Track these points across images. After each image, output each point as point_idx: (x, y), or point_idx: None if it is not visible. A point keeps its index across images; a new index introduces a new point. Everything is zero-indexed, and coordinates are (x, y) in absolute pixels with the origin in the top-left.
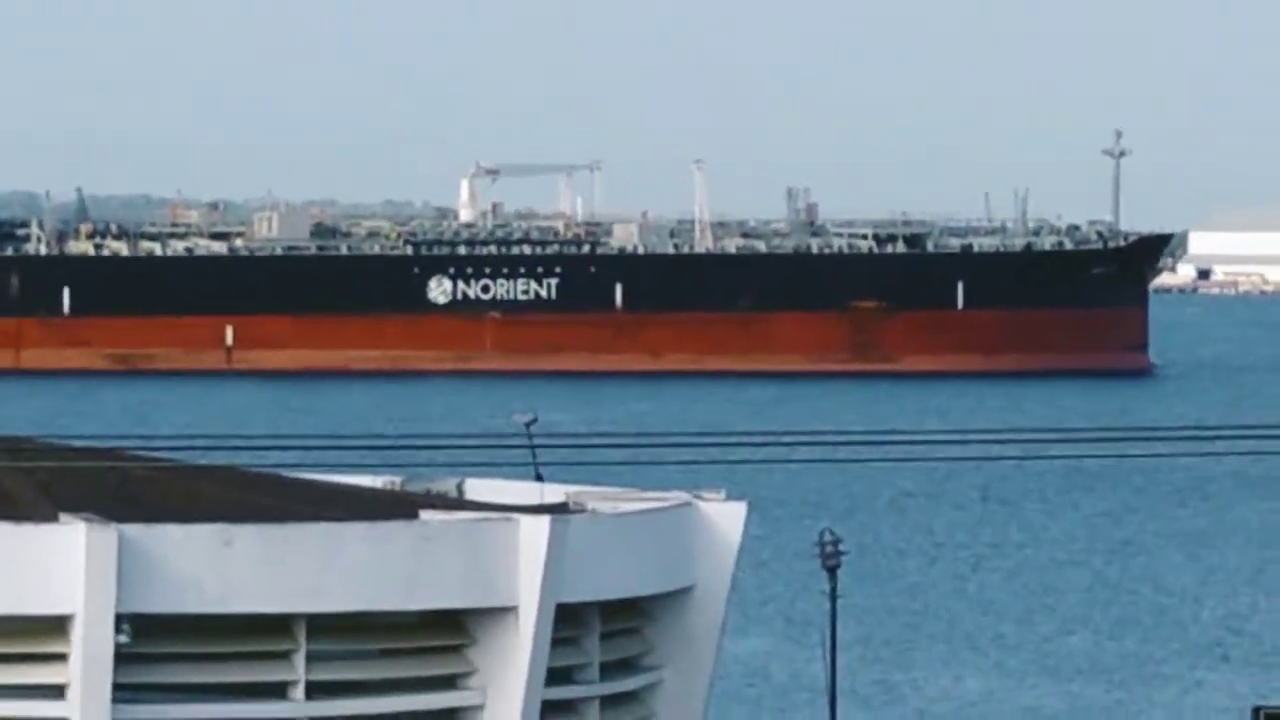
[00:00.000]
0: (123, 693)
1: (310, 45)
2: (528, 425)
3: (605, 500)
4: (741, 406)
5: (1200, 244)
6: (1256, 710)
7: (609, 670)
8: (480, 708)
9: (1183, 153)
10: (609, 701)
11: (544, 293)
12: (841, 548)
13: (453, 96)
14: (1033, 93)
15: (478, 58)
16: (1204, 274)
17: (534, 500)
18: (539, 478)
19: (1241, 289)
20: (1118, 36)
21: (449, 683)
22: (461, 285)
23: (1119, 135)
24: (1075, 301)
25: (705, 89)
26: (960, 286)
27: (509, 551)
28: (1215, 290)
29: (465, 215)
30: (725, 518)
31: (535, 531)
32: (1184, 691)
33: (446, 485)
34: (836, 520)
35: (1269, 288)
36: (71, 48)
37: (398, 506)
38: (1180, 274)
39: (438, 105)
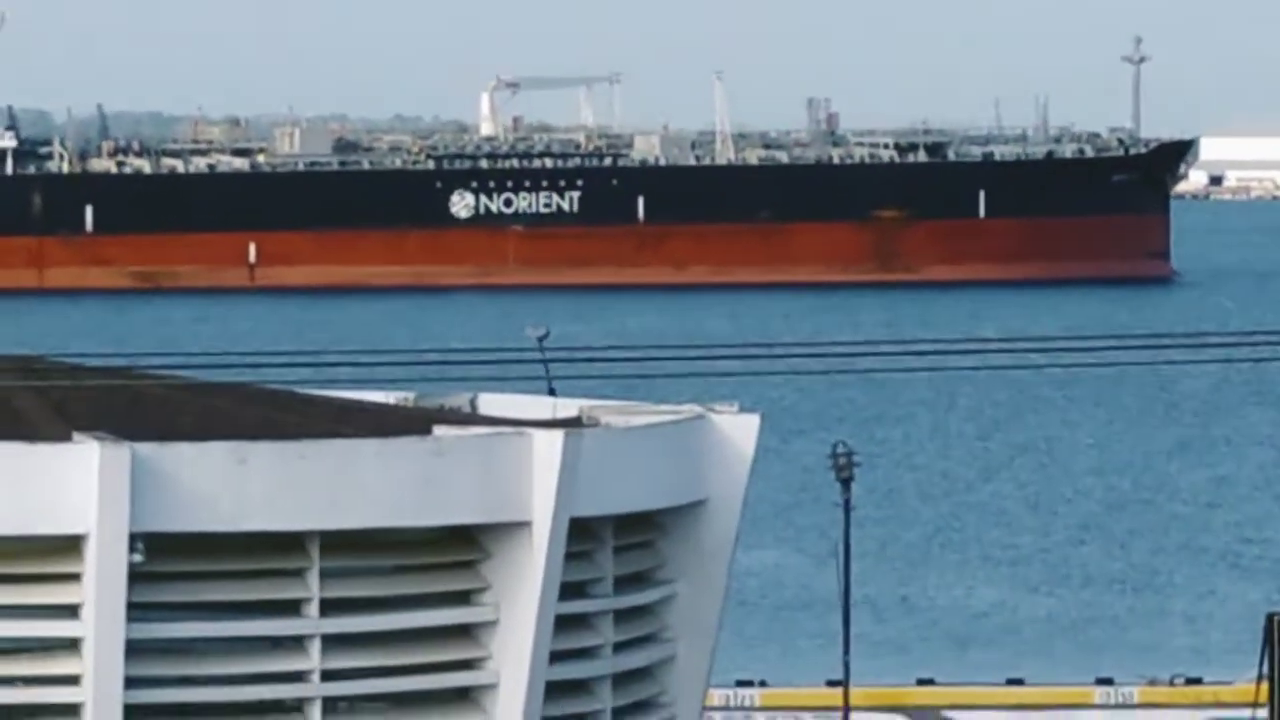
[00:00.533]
0: (137, 611)
1: None
2: (540, 339)
3: (618, 414)
4: (763, 318)
5: (1212, 149)
6: (1270, 616)
7: (622, 584)
8: (494, 623)
9: (1203, 58)
10: (622, 615)
11: (566, 206)
12: (855, 459)
13: (470, 9)
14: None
15: None
16: (1216, 180)
17: (547, 415)
18: (552, 392)
19: (1254, 194)
20: None
21: (463, 598)
22: (483, 199)
23: (1139, 41)
24: (1097, 209)
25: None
26: (982, 195)
27: (522, 466)
28: (1227, 196)
29: (486, 129)
30: (738, 430)
31: (548, 446)
32: (1198, 599)
33: (459, 400)
34: (850, 432)
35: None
36: None
37: (411, 422)
38: (1192, 180)
39: (455, 18)
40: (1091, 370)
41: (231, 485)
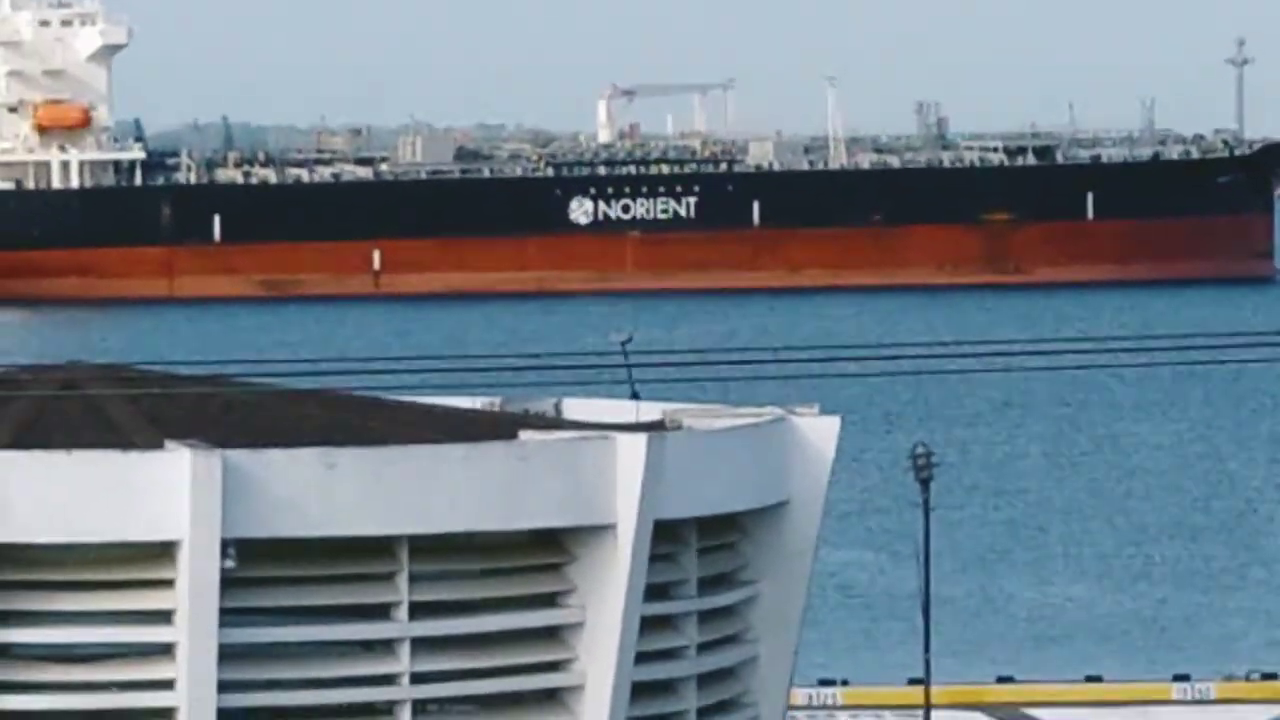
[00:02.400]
0: (229, 617)
1: None
2: (623, 344)
3: (701, 417)
4: (876, 318)
5: None
6: None
7: (706, 585)
8: (580, 625)
9: None
10: (706, 616)
11: (683, 211)
12: (936, 461)
13: (585, 18)
14: (1156, 3)
15: None
16: None
17: (631, 418)
18: (635, 395)
19: None
20: None
21: (549, 600)
22: (602, 205)
23: (1241, 43)
24: (1203, 209)
25: (836, 5)
26: (1090, 197)
27: (606, 470)
28: None
29: (603, 136)
30: (819, 432)
31: (632, 449)
32: (1272, 594)
33: (544, 405)
34: (930, 433)
35: None
36: None
37: (497, 427)
38: None
39: (571, 27)
40: (1167, 370)
41: (321, 490)
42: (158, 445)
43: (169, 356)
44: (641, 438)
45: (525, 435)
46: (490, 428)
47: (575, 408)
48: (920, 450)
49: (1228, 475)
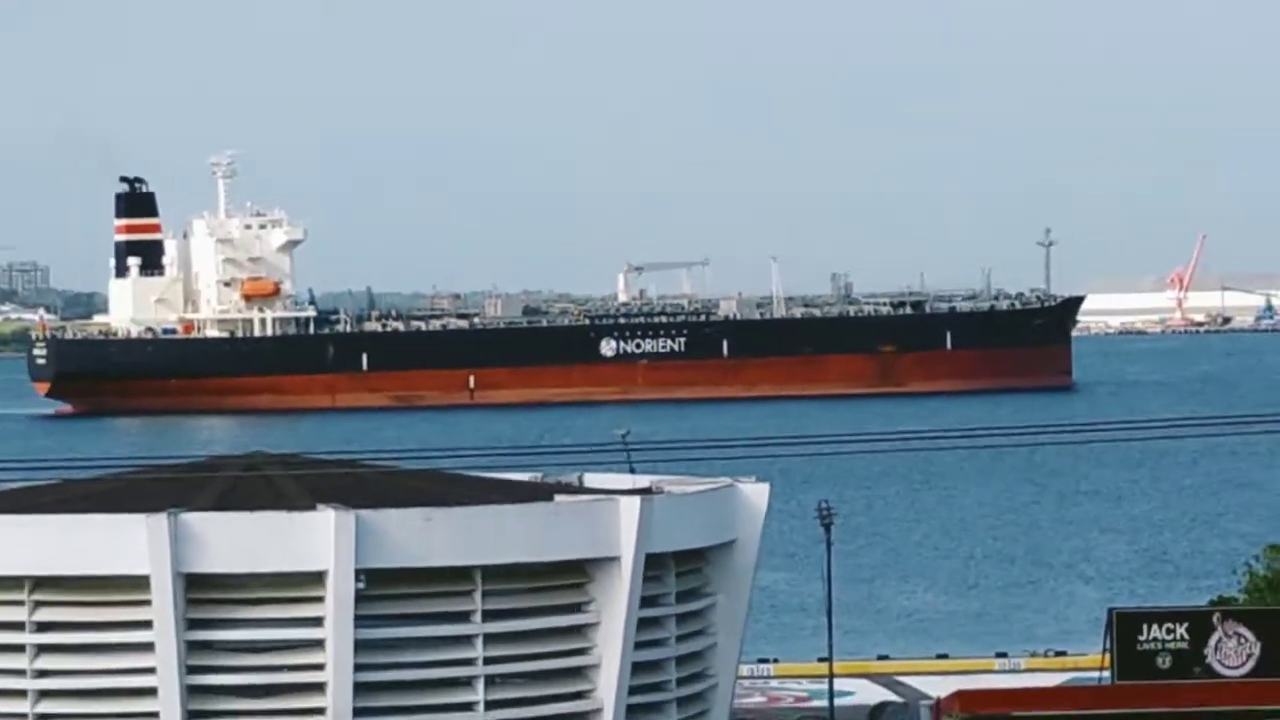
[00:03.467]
0: (361, 620)
1: (512, 185)
2: (623, 436)
3: (676, 484)
4: (805, 418)
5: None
6: (1110, 610)
7: (681, 596)
8: (597, 624)
9: (1090, 239)
10: (682, 617)
11: (676, 347)
12: (834, 512)
13: (610, 218)
14: (983, 204)
15: (629, 187)
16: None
17: (629, 486)
18: (632, 470)
19: (1093, 331)
20: (1050, 151)
21: (576, 608)
22: (622, 344)
23: (1048, 231)
24: (1024, 343)
25: (780, 212)
26: (949, 334)
27: (613, 520)
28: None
29: (621, 297)
30: (756, 494)
31: (630, 507)
32: (1055, 598)
33: (571, 477)
34: (831, 493)
35: (1110, 330)
36: (342, 195)
37: (540, 492)
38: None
39: (600, 224)
40: (983, 453)
41: (422, 536)
42: (311, 507)
43: (329, 448)
44: (637, 499)
45: (559, 498)
46: (535, 493)
47: (592, 479)
48: (824, 505)
49: (1029, 519)
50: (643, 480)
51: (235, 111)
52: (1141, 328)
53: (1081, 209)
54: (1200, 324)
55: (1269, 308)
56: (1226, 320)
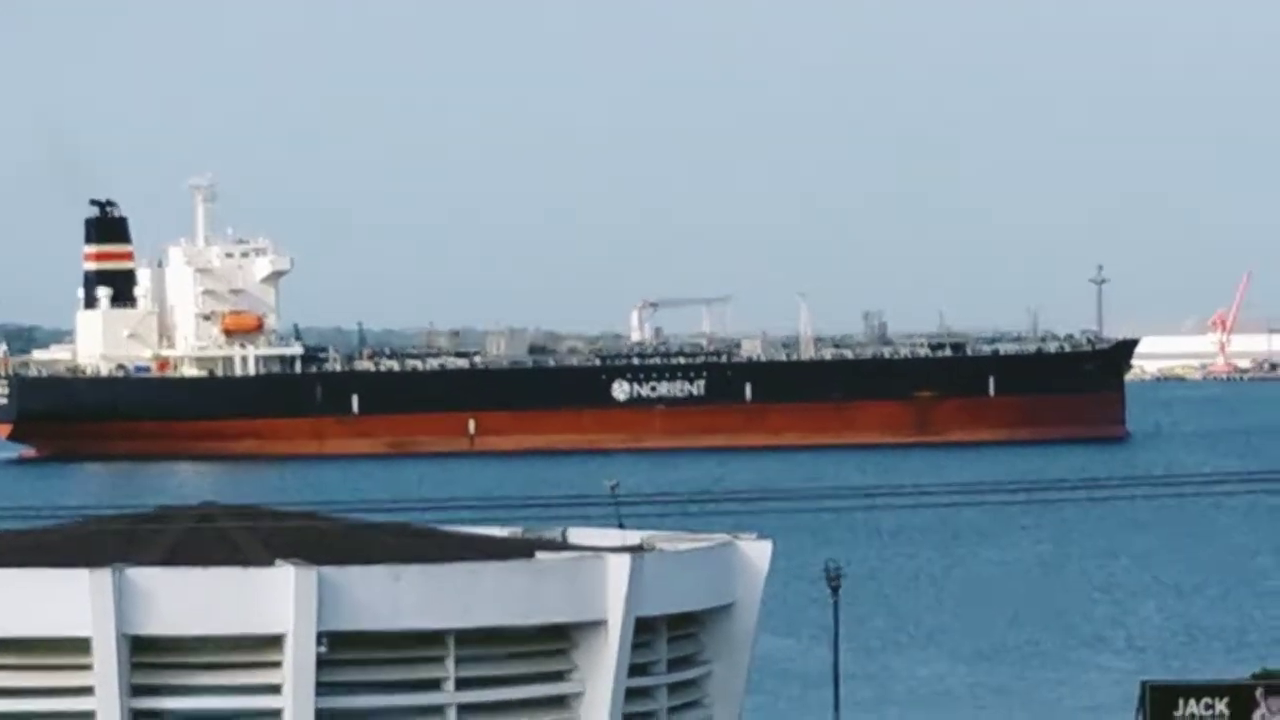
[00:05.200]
0: (323, 689)
1: (516, 214)
2: (613, 488)
3: (669, 541)
4: (834, 469)
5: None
6: (1143, 684)
7: (674, 664)
8: (581, 694)
9: (1145, 277)
10: (674, 687)
11: (695, 391)
12: (842, 572)
13: (622, 249)
14: (1038, 236)
15: (643, 217)
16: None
17: (618, 542)
18: (621, 525)
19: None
20: (1099, 184)
21: (558, 676)
22: (636, 386)
23: (1100, 268)
24: (1073, 389)
25: (808, 245)
26: (991, 379)
27: (600, 580)
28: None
29: (635, 336)
30: (756, 552)
31: (619, 565)
32: (1084, 670)
33: (554, 533)
34: (839, 552)
35: (1146, 376)
36: (338, 228)
37: (519, 549)
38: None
39: (612, 256)
40: (1014, 509)
41: (389, 596)
42: (269, 563)
43: (317, 499)
44: (626, 557)
45: (540, 555)
46: (514, 549)
47: (578, 534)
48: (832, 566)
49: (1057, 582)
50: (633, 536)
51: (216, 130)
52: (1181, 373)
53: (1125, 245)
54: (1244, 370)
55: None
56: (1274, 366)
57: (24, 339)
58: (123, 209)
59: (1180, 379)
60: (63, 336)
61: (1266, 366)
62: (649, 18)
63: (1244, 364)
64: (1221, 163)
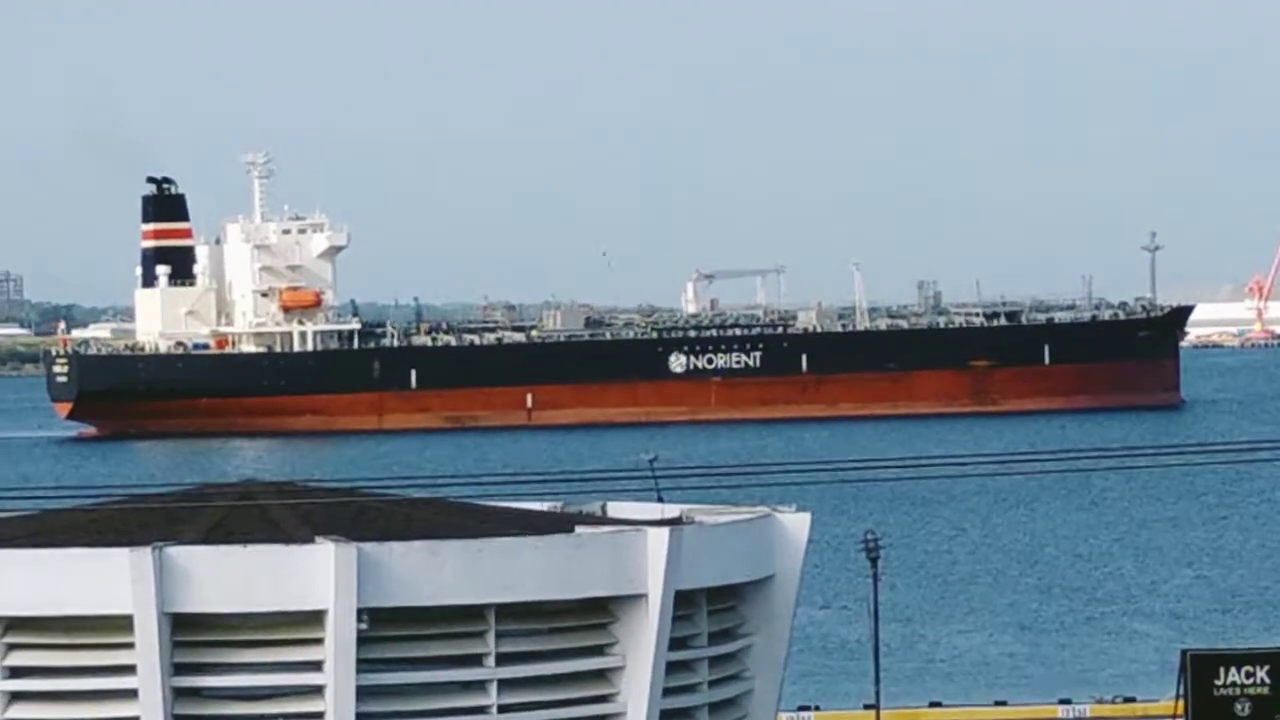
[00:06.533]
0: (363, 665)
1: (572, 187)
2: (651, 462)
3: (709, 514)
4: (889, 439)
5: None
6: (1184, 652)
7: (714, 638)
8: (621, 668)
9: (1190, 243)
10: (714, 661)
11: (751, 362)
12: (882, 543)
13: (678, 220)
14: (1092, 205)
15: (697, 188)
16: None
17: (658, 516)
18: (660, 499)
19: (1225, 343)
20: (1155, 142)
21: (599, 650)
22: (692, 359)
23: (1154, 235)
24: (1128, 356)
25: (862, 214)
26: (1047, 348)
27: (639, 554)
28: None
29: (690, 308)
30: (795, 525)
31: (658, 539)
32: (1125, 639)
33: (594, 507)
34: (877, 523)
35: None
36: (395, 210)
37: (560, 523)
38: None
39: (667, 227)
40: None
41: (429, 572)
42: (309, 540)
43: (377, 474)
44: (665, 530)
45: (580, 529)
46: (555, 524)
47: (617, 508)
48: (869, 536)
49: (1099, 550)
50: (672, 510)
51: (272, 107)
52: (1218, 340)
53: (1174, 212)
54: None
55: None
56: None
57: (61, 316)
58: (180, 186)
59: (1218, 346)
60: (99, 315)
61: None
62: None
63: None
64: (1257, 131)
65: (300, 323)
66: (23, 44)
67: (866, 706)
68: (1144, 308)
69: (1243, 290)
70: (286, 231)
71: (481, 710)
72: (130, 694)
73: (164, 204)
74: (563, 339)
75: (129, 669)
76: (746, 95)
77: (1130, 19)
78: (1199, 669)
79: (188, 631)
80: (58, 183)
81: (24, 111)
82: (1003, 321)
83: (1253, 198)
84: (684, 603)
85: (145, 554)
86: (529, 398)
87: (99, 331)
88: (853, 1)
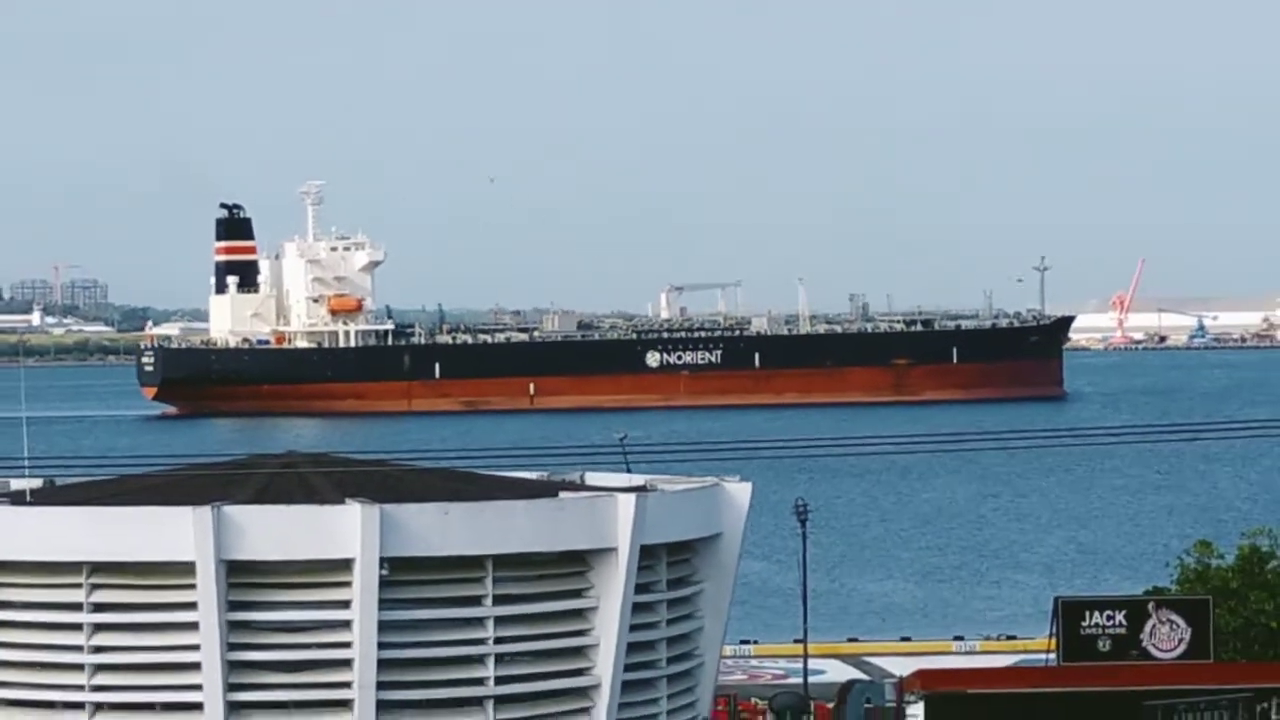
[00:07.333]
0: (384, 603)
1: (568, 215)
2: (621, 439)
3: (668, 483)
4: (826, 423)
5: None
6: (1056, 599)
7: (672, 584)
8: (596, 609)
9: (1081, 266)
10: (672, 602)
11: (713, 359)
12: (810, 508)
13: (652, 243)
14: (992, 234)
15: (671, 217)
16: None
17: (626, 484)
18: (628, 470)
19: (1092, 347)
20: (1043, 183)
21: (577, 594)
22: (665, 356)
23: (1043, 258)
24: (1021, 356)
25: (806, 239)
26: (955, 349)
27: (611, 515)
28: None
29: (664, 315)
30: (739, 492)
31: (627, 503)
32: (1005, 587)
33: (574, 475)
34: (808, 491)
35: (1098, 345)
36: (421, 223)
37: (546, 489)
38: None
39: (645, 249)
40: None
41: (439, 528)
42: (340, 501)
43: (407, 449)
44: (633, 496)
45: (563, 494)
46: (542, 490)
47: (593, 477)
48: (800, 502)
49: (985, 515)
50: (638, 479)
51: (324, 146)
52: (1086, 344)
53: (1042, 241)
54: (1139, 342)
55: (1200, 328)
56: (1163, 339)
57: (140, 317)
58: (246, 211)
59: (1085, 349)
60: (170, 316)
61: (1156, 339)
62: (673, 40)
63: (1138, 337)
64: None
65: (344, 324)
66: (127, 95)
67: (796, 641)
68: (1034, 317)
69: (1107, 303)
70: (334, 249)
71: (480, 642)
72: (192, 626)
73: (234, 226)
74: (559, 339)
75: (191, 605)
76: (714, 140)
77: (1023, 85)
78: (1068, 612)
79: (240, 575)
80: (145, 206)
81: (124, 149)
82: (919, 328)
83: (1115, 229)
84: (647, 555)
85: (205, 511)
86: (532, 386)
87: (170, 330)
88: (795, 71)
